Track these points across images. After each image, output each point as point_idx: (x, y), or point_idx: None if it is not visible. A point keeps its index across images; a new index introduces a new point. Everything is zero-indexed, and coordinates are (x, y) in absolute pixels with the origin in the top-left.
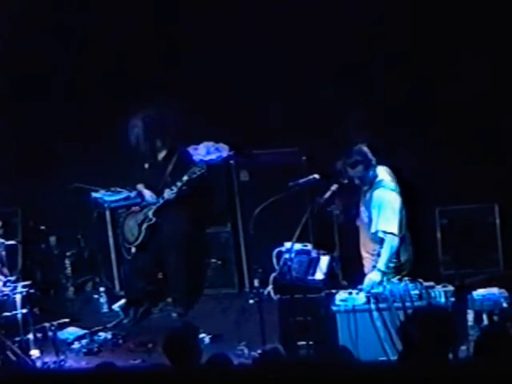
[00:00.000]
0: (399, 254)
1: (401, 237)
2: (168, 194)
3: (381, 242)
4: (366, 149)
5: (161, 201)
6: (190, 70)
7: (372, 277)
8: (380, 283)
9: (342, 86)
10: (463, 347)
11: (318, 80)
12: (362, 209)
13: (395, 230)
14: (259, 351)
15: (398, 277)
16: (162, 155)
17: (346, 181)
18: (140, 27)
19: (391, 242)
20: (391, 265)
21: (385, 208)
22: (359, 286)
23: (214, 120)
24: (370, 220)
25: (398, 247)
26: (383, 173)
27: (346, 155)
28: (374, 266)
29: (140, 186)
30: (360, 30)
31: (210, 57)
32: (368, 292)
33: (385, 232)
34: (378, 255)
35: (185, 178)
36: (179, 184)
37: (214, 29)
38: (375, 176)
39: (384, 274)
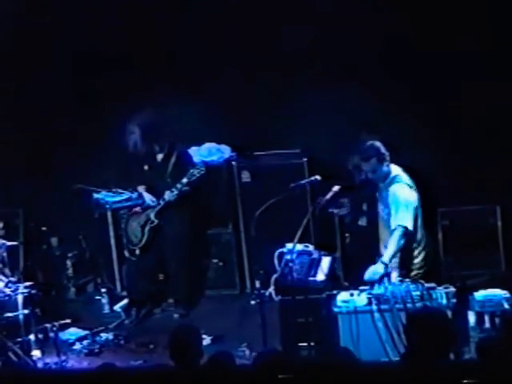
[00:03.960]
0: (413, 256)
1: (417, 239)
2: (168, 195)
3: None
4: (378, 143)
5: (161, 203)
6: (191, 71)
7: (374, 268)
8: (382, 278)
9: (345, 86)
10: (465, 348)
11: (320, 80)
12: (381, 207)
13: (408, 225)
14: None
15: (400, 278)
16: (160, 157)
17: (359, 180)
18: (140, 27)
19: (400, 236)
20: (412, 265)
21: (400, 203)
22: (360, 287)
23: (215, 121)
24: (389, 217)
25: (410, 246)
26: (397, 169)
27: (359, 150)
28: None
29: (141, 189)
30: (361, 30)
31: (210, 57)
32: (369, 293)
33: (399, 226)
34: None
35: (184, 180)
36: (179, 186)
37: (216, 29)
38: (389, 172)
39: (387, 267)
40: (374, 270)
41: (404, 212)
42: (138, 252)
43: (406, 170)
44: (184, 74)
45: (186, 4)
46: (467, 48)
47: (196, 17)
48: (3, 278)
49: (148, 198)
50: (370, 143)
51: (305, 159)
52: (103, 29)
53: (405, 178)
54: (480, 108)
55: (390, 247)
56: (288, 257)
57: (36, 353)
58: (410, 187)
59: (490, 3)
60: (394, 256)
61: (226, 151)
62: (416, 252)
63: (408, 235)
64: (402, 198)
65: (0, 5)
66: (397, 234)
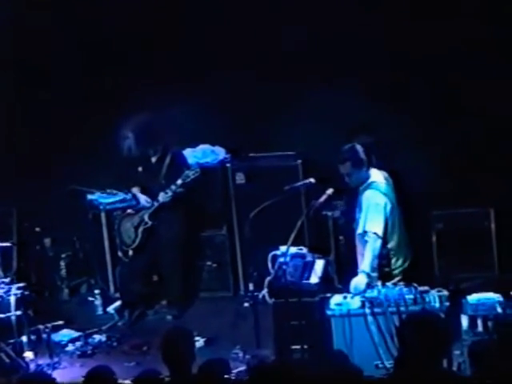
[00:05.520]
0: (390, 260)
1: (391, 246)
2: (163, 197)
3: (365, 243)
4: (358, 147)
5: (156, 204)
6: (187, 73)
7: (357, 279)
8: (368, 286)
9: (339, 88)
10: (457, 352)
11: (315, 82)
12: (357, 211)
13: (379, 231)
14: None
15: (393, 281)
16: (154, 159)
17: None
18: (138, 28)
19: (374, 243)
20: (386, 269)
21: (371, 209)
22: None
23: (210, 123)
24: (358, 221)
25: (384, 251)
26: (377, 175)
27: (339, 152)
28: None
29: (135, 190)
30: (362, 32)
31: (206, 58)
32: (362, 296)
33: (367, 232)
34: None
35: (179, 181)
36: (173, 188)
37: (215, 30)
38: (368, 177)
39: (369, 276)
40: (357, 282)
41: (374, 217)
42: (131, 253)
43: (393, 175)
44: (178, 75)
45: (186, 4)
46: (466, 48)
47: (196, 17)
48: None
49: (143, 198)
50: (348, 146)
51: (299, 161)
52: (100, 31)
53: (382, 185)
54: (476, 110)
55: (366, 255)
56: (282, 259)
57: (28, 354)
58: (384, 194)
59: (489, 3)
60: (373, 263)
61: (220, 153)
62: (389, 258)
63: (380, 240)
64: (373, 203)
65: (0, 5)
66: (370, 240)
